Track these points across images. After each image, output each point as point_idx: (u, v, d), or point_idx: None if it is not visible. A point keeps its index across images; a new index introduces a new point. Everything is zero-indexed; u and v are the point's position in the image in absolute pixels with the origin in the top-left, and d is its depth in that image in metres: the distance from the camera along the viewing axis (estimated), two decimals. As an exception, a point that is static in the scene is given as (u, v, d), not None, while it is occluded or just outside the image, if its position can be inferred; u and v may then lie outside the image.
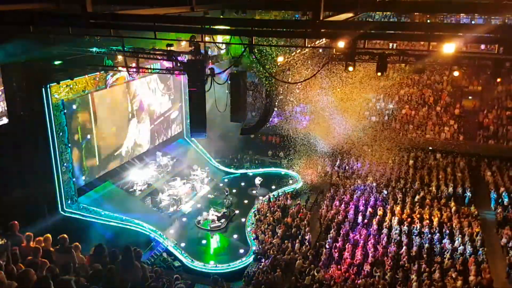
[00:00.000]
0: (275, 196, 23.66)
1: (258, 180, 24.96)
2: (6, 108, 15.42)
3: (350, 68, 12.36)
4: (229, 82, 13.44)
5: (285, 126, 28.80)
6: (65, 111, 17.48)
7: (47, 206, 17.24)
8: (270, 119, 21.78)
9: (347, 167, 26.63)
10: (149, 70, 18.39)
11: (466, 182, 24.08)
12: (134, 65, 15.83)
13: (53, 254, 8.37)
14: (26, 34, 10.08)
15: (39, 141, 16.93)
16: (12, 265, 7.08)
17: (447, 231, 19.37)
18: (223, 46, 17.26)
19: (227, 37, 12.13)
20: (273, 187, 25.31)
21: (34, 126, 16.57)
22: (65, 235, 8.78)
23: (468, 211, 21.21)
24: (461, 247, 18.13)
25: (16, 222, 8.49)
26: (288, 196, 23.66)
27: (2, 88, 15.18)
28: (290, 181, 26.08)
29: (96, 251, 8.98)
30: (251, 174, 27.22)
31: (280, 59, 18.36)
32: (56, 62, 15.83)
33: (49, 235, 9.04)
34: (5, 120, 15.42)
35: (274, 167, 28.16)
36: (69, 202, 18.39)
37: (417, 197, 22.54)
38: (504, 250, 18.58)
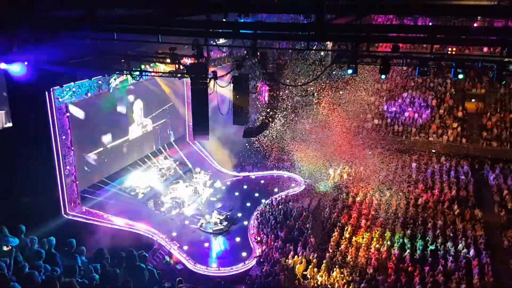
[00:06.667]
0: (278, 199, 23.62)
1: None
2: (9, 112, 15.47)
3: (351, 71, 12.37)
4: (231, 85, 13.46)
5: (287, 129, 28.77)
6: (68, 114, 17.53)
7: (50, 210, 17.23)
8: (273, 122, 21.74)
9: (350, 170, 26.56)
10: (152, 73, 18.47)
11: (469, 185, 24.01)
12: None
13: (56, 257, 8.41)
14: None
15: (43, 144, 16.93)
16: (17, 267, 7.12)
17: (451, 234, 19.31)
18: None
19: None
20: (276, 190, 25.26)
21: (37, 129, 16.57)
22: (70, 239, 8.85)
23: (471, 214, 21.13)
24: (465, 250, 18.09)
25: (22, 225, 8.54)
26: (291, 199, 23.62)
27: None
28: (293, 184, 26.04)
29: (96, 255, 9.05)
30: (253, 177, 27.21)
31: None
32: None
33: (52, 238, 9.10)
34: (9, 124, 15.47)
35: (276, 170, 28.14)
36: (72, 205, 18.41)
37: (420, 200, 22.48)
38: (507, 253, 18.49)
